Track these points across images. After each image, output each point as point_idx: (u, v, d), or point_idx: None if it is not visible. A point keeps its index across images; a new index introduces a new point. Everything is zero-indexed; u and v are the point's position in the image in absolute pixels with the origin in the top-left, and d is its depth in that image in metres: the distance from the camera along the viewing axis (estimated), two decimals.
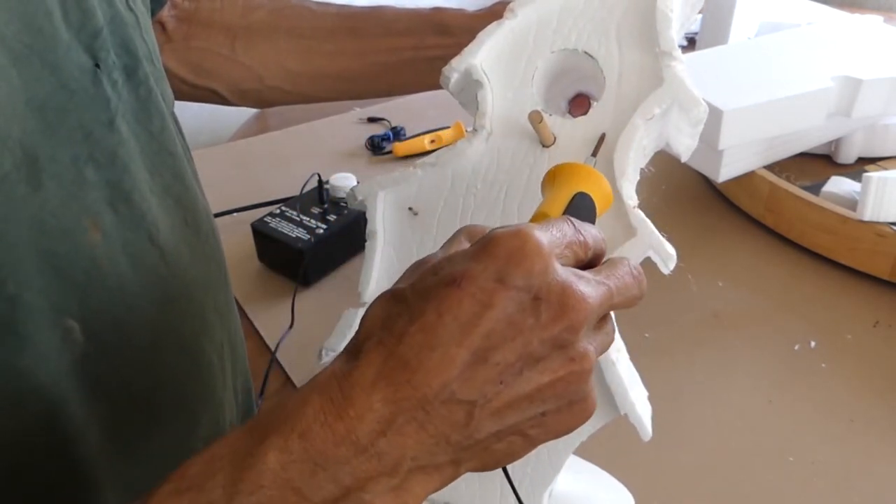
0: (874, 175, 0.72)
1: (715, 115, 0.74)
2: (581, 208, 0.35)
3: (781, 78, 0.80)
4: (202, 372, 0.46)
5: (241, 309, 0.73)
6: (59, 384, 0.35)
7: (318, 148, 1.03)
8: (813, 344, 0.69)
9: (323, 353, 0.45)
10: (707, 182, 0.91)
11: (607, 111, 0.43)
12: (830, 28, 0.94)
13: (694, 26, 1.11)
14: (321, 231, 0.76)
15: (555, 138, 0.43)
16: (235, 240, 0.81)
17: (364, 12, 0.64)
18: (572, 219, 0.32)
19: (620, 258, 0.33)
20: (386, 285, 0.45)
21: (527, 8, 0.44)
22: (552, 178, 0.37)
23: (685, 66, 0.42)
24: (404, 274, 0.31)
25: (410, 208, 0.45)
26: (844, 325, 0.71)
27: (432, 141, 0.98)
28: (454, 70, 0.44)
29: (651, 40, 0.43)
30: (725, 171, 0.80)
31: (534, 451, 0.31)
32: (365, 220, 0.46)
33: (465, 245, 0.31)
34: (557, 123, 0.43)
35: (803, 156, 0.89)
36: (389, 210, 0.45)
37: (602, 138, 0.41)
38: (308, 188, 0.80)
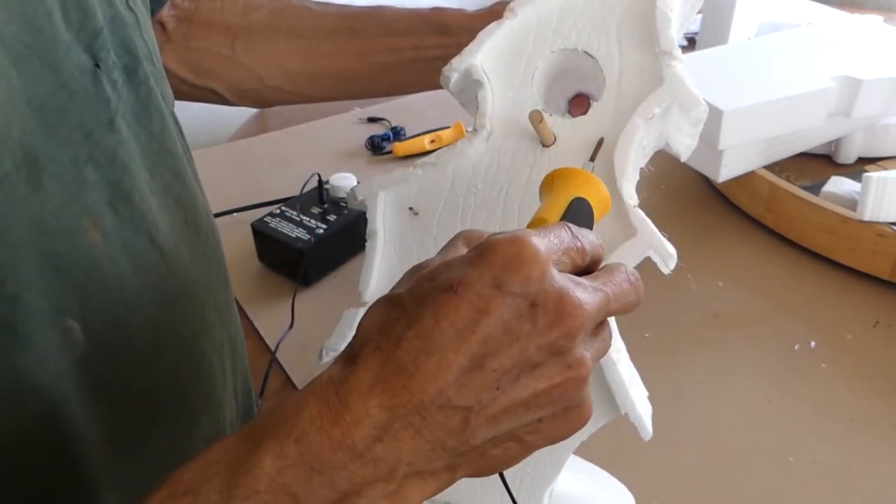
0: (874, 175, 0.72)
1: (715, 115, 0.74)
2: (579, 213, 0.35)
3: (781, 78, 0.80)
4: (202, 372, 0.46)
5: (241, 309, 0.73)
6: (59, 384, 0.35)
7: (318, 148, 1.03)
8: (813, 344, 0.69)
9: (323, 353, 0.45)
10: (707, 182, 0.91)
11: (607, 111, 0.43)
12: (830, 28, 0.94)
13: (694, 26, 1.11)
14: (321, 231, 0.76)
15: (555, 138, 0.43)
16: (235, 240, 0.81)
17: (364, 12, 0.64)
18: (570, 224, 0.32)
19: (618, 264, 0.33)
20: (386, 285, 0.45)
21: (527, 8, 0.44)
22: (550, 182, 0.37)
23: (685, 65, 0.42)
24: (401, 279, 0.31)
25: (411, 208, 0.45)
26: (844, 325, 0.71)
27: (432, 141, 0.98)
28: (454, 70, 0.44)
29: (651, 40, 0.43)
30: (725, 171, 0.80)
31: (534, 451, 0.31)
32: (365, 220, 0.46)
33: (463, 250, 0.31)
34: (557, 123, 0.43)
35: (803, 156, 0.89)
36: (389, 210, 0.45)
37: (600, 143, 0.41)
38: (308, 188, 0.80)
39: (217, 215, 0.81)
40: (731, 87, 0.79)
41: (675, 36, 0.43)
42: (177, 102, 0.48)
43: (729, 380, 0.66)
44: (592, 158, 0.41)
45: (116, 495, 0.39)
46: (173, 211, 0.44)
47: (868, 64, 0.83)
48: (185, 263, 0.44)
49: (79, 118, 0.36)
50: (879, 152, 0.93)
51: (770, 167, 0.83)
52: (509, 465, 0.31)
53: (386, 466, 0.27)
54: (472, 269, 0.28)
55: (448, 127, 1.00)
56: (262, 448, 0.27)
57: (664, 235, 0.39)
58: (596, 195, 0.36)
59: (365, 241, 0.46)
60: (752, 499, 0.56)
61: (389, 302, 0.29)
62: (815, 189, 0.81)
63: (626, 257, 0.39)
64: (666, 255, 0.39)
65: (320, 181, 0.80)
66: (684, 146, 0.45)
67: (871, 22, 0.95)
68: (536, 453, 0.31)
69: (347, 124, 1.08)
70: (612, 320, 0.36)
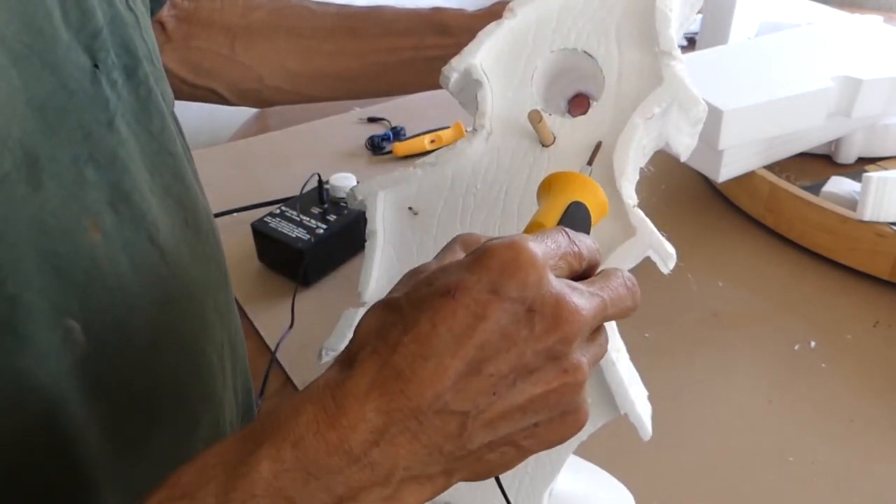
0: (874, 175, 0.72)
1: (715, 115, 0.74)
2: (576, 217, 0.35)
3: (781, 78, 0.80)
4: (202, 372, 0.46)
5: (241, 309, 0.73)
6: (60, 384, 0.35)
7: (318, 148, 1.03)
8: (813, 344, 0.69)
9: (323, 353, 0.45)
10: (707, 182, 0.91)
11: (607, 111, 0.43)
12: (830, 28, 0.94)
13: (694, 26, 1.11)
14: (321, 231, 0.76)
15: (554, 138, 0.43)
16: (235, 240, 0.81)
17: (364, 12, 0.64)
18: (567, 229, 0.32)
19: (614, 269, 0.33)
20: (386, 285, 0.45)
21: (526, 7, 0.44)
22: (548, 186, 0.37)
23: (685, 65, 0.42)
24: (399, 283, 0.31)
25: (410, 208, 0.45)
26: (844, 325, 0.71)
27: (432, 141, 0.98)
28: (454, 70, 0.44)
29: (650, 40, 0.43)
30: (725, 171, 0.80)
31: None
32: (365, 220, 0.46)
33: (460, 255, 0.31)
34: (557, 123, 0.43)
35: (803, 156, 0.89)
36: (389, 210, 0.45)
37: (598, 146, 0.41)
38: (308, 188, 0.80)
39: (217, 215, 0.81)
40: (731, 87, 0.79)
41: (675, 36, 0.43)
42: (177, 102, 0.48)
43: (729, 380, 0.66)
44: (590, 162, 0.41)
45: (116, 495, 0.39)
46: (173, 211, 0.44)
47: (868, 64, 0.83)
48: (185, 263, 0.44)
49: (78, 118, 0.36)
50: (879, 152, 0.93)
51: (770, 167, 0.83)
52: (506, 469, 0.31)
53: (382, 471, 0.28)
54: (469, 274, 0.28)
55: (448, 127, 1.00)
56: (258, 452, 0.27)
57: (663, 235, 0.39)
58: (593, 199, 0.36)
59: (365, 241, 0.46)
60: (752, 499, 0.56)
61: (386, 306, 0.30)
62: (815, 189, 0.81)
63: (625, 257, 0.39)
64: (665, 254, 0.39)
65: (320, 181, 0.80)
66: (684, 146, 0.45)
67: (871, 22, 0.95)
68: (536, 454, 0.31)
69: (347, 124, 1.08)
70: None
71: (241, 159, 1.01)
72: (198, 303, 0.45)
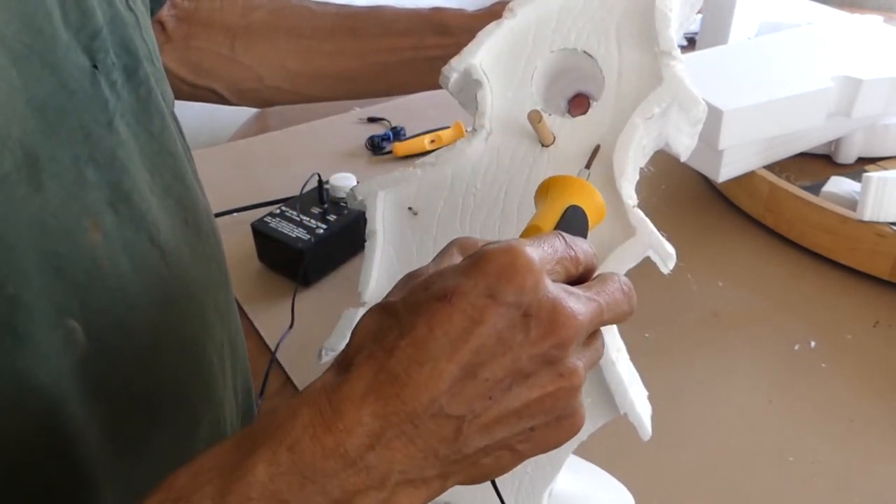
0: (874, 175, 0.72)
1: (715, 115, 0.74)
2: (573, 221, 0.35)
3: (781, 78, 0.80)
4: (203, 372, 0.46)
5: (241, 309, 0.73)
6: (60, 384, 0.35)
7: (318, 148, 1.03)
8: (813, 344, 0.69)
9: (323, 352, 0.45)
10: (707, 182, 0.91)
11: (607, 111, 0.43)
12: (830, 28, 0.94)
13: (694, 26, 1.11)
14: (321, 231, 0.76)
15: (554, 138, 0.43)
16: (235, 240, 0.81)
17: (364, 12, 0.64)
18: (564, 234, 0.32)
19: (611, 273, 0.33)
20: (385, 285, 0.45)
21: (526, 7, 0.44)
22: (545, 190, 0.37)
23: (684, 65, 0.42)
24: (395, 286, 0.31)
25: (410, 208, 0.45)
26: (844, 325, 0.71)
27: (432, 141, 0.99)
28: (453, 70, 0.44)
29: (650, 40, 0.43)
30: (725, 171, 0.80)
31: None
32: (365, 220, 0.46)
33: (457, 258, 0.32)
34: (557, 123, 0.43)
35: (803, 156, 0.89)
36: (389, 210, 0.45)
37: (596, 150, 0.41)
38: (308, 188, 0.80)
39: (217, 215, 0.81)
40: (731, 87, 0.79)
41: (675, 36, 0.43)
42: (177, 102, 0.48)
43: (729, 380, 0.66)
44: (588, 166, 0.41)
45: (116, 495, 0.39)
46: (174, 211, 0.44)
47: (868, 64, 0.83)
48: (185, 264, 0.44)
49: (78, 118, 0.36)
50: (879, 152, 0.93)
51: (770, 167, 0.83)
52: (501, 473, 0.31)
53: (378, 474, 0.28)
54: (465, 279, 0.28)
55: (448, 127, 1.00)
56: (254, 455, 0.27)
57: (663, 235, 0.39)
58: (591, 203, 0.36)
59: (365, 241, 0.46)
60: (752, 499, 0.56)
61: (383, 310, 0.30)
62: (815, 189, 0.81)
63: (625, 257, 0.39)
64: (665, 254, 0.39)
65: (320, 181, 0.80)
66: (684, 146, 0.45)
67: (871, 22, 0.95)
68: None
69: (347, 124, 1.08)
70: None
71: (241, 159, 1.01)
72: (198, 303, 0.46)
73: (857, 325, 0.71)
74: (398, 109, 1.09)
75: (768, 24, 1.06)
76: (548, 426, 0.30)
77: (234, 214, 0.87)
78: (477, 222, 0.44)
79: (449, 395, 0.28)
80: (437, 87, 0.48)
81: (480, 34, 0.45)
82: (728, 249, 0.81)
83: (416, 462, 0.28)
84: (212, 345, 0.47)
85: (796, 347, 0.68)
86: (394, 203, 0.45)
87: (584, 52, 0.44)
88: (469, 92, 0.45)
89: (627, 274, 0.39)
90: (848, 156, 0.92)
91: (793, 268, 0.78)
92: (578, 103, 0.44)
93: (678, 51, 0.42)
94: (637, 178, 0.42)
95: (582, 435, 0.43)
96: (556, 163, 0.43)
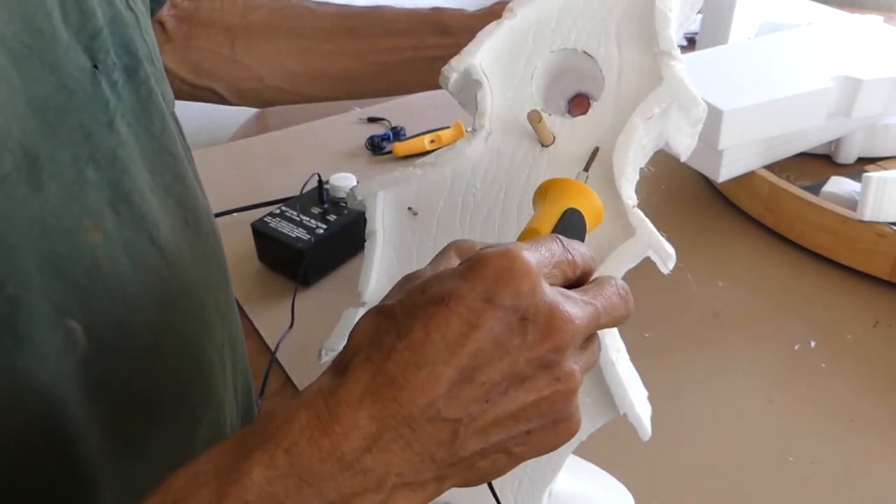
0: (874, 175, 0.72)
1: (715, 115, 0.74)
2: (571, 224, 0.35)
3: (781, 78, 0.80)
4: (203, 372, 0.46)
5: (241, 309, 0.73)
6: (60, 384, 0.35)
7: (318, 148, 1.03)
8: (813, 344, 0.69)
9: (323, 352, 0.45)
10: (707, 182, 0.91)
11: (607, 111, 0.43)
12: (830, 28, 0.94)
13: (694, 26, 1.11)
14: (321, 231, 0.76)
15: (554, 138, 0.43)
16: (235, 240, 0.81)
17: (364, 12, 0.64)
18: (561, 237, 0.32)
19: (608, 277, 0.33)
20: (385, 285, 0.45)
21: (526, 7, 0.44)
22: (543, 192, 0.37)
23: (684, 65, 0.42)
24: (393, 289, 0.32)
25: (410, 208, 0.45)
26: (844, 325, 0.71)
27: (432, 141, 0.99)
28: (453, 70, 0.44)
29: (650, 40, 0.43)
30: (725, 171, 0.80)
31: None
32: (365, 220, 0.46)
33: (455, 261, 0.32)
34: (557, 123, 0.43)
35: (803, 156, 0.89)
36: (389, 210, 0.45)
37: (595, 153, 0.41)
38: (308, 188, 0.80)
39: (217, 215, 0.81)
40: (731, 87, 0.79)
41: (675, 36, 0.43)
42: (177, 102, 0.49)
43: (729, 380, 0.66)
44: (586, 168, 0.41)
45: (116, 495, 0.39)
46: (174, 211, 0.44)
47: (868, 64, 0.83)
48: (185, 264, 0.44)
49: (79, 118, 0.36)
50: (879, 152, 0.93)
51: (770, 167, 0.83)
52: (497, 475, 0.31)
53: (375, 477, 0.28)
54: (463, 282, 0.28)
55: (448, 127, 1.00)
56: (251, 458, 0.27)
57: (663, 235, 0.40)
58: (589, 206, 0.36)
59: (365, 241, 0.46)
60: (752, 499, 0.56)
61: (380, 312, 0.30)
62: (815, 189, 0.81)
63: (624, 257, 0.39)
64: (665, 255, 0.39)
65: (320, 181, 0.80)
66: (684, 146, 0.45)
67: (871, 22, 0.95)
68: None
69: (347, 124, 1.08)
70: None
71: (241, 159, 1.01)
72: (198, 303, 0.46)
73: (857, 325, 0.71)
74: (398, 109, 1.09)
75: (768, 24, 1.06)
76: (544, 429, 0.30)
77: (234, 214, 0.87)
78: (477, 222, 0.44)
79: (446, 398, 0.28)
80: (437, 87, 0.48)
81: (480, 34, 0.45)
82: (728, 249, 0.81)
83: (412, 465, 0.28)
84: (212, 345, 0.47)
85: (796, 347, 0.68)
86: (394, 203, 0.45)
87: (584, 52, 0.44)
88: (469, 92, 0.45)
89: (625, 277, 0.39)
90: (848, 156, 0.92)
91: (793, 268, 0.78)
92: (578, 103, 0.44)
93: (678, 51, 0.42)
94: (637, 178, 0.42)
95: (582, 435, 0.43)
96: (555, 163, 0.43)
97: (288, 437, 0.27)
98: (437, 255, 0.33)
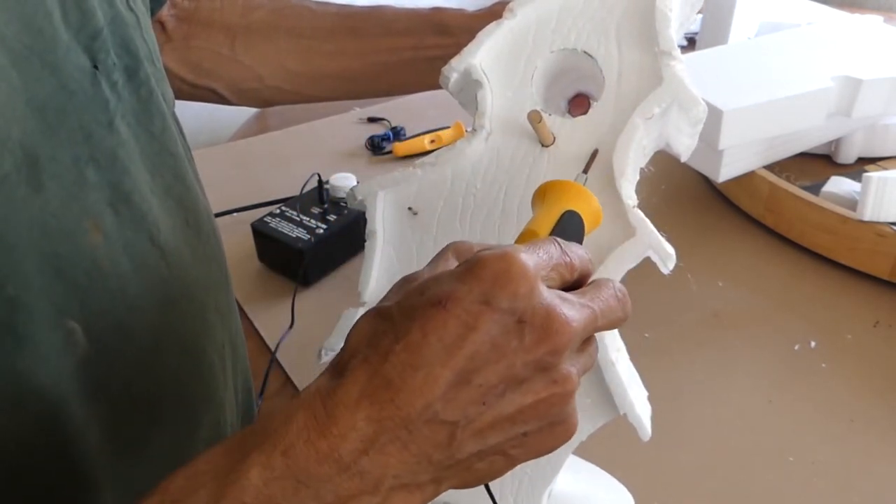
0: (874, 175, 0.72)
1: (715, 115, 0.74)
2: (569, 226, 0.35)
3: (781, 78, 0.80)
4: (203, 372, 0.46)
5: (241, 309, 0.73)
6: (60, 385, 0.35)
7: (318, 148, 1.03)
8: (813, 344, 0.69)
9: (323, 352, 0.45)
10: (707, 182, 0.91)
11: (607, 111, 0.43)
12: (830, 28, 0.94)
13: (694, 26, 1.11)
14: (321, 231, 0.76)
15: (554, 138, 0.43)
16: (235, 240, 0.81)
17: (364, 12, 0.64)
18: (559, 240, 0.32)
19: (605, 280, 0.33)
20: (385, 285, 0.45)
21: (526, 8, 0.44)
22: (542, 194, 0.37)
23: (684, 65, 0.42)
24: (391, 291, 0.32)
25: (410, 208, 0.45)
26: (844, 325, 0.71)
27: (432, 141, 0.99)
28: (453, 70, 0.44)
29: (650, 40, 0.43)
30: (725, 171, 0.80)
31: None
32: (365, 220, 0.46)
33: (453, 263, 0.32)
34: (557, 123, 0.43)
35: (803, 156, 0.89)
36: (389, 210, 0.45)
37: (594, 155, 0.41)
38: (308, 188, 0.80)
39: (217, 215, 0.81)
40: (731, 87, 0.79)
41: (675, 36, 0.43)
42: (177, 102, 0.48)
43: (729, 380, 0.66)
44: (586, 170, 0.41)
45: (116, 496, 0.39)
46: (174, 212, 0.44)
47: (868, 64, 0.83)
48: (186, 264, 0.44)
49: (79, 119, 0.36)
50: (879, 152, 0.93)
51: (770, 167, 0.83)
52: (494, 477, 0.31)
53: (371, 479, 0.28)
54: (460, 285, 0.28)
55: (448, 127, 1.00)
56: (249, 459, 0.27)
57: (663, 235, 0.40)
58: (587, 208, 0.36)
59: (365, 241, 0.46)
60: (752, 499, 0.56)
61: (378, 314, 0.30)
62: (815, 189, 0.81)
63: (624, 258, 0.39)
64: (665, 255, 0.39)
65: (320, 181, 0.80)
66: (684, 146, 0.45)
67: (871, 22, 0.95)
68: None
69: (347, 124, 1.08)
70: None
71: (241, 159, 1.01)
72: (199, 303, 0.46)
73: (857, 325, 0.71)
74: (398, 109, 1.09)
75: (768, 24, 1.06)
76: (541, 432, 0.30)
77: (234, 214, 0.87)
78: (477, 222, 0.44)
79: (443, 400, 0.28)
80: (437, 87, 0.48)
81: (480, 34, 0.45)
82: (728, 249, 0.81)
83: (409, 467, 0.28)
84: (212, 345, 0.47)
85: (796, 347, 0.68)
86: (394, 203, 0.45)
87: (584, 52, 0.44)
88: (469, 92, 0.45)
89: (625, 277, 0.39)
90: (848, 156, 0.92)
91: (793, 268, 0.78)
92: (578, 103, 0.44)
93: (678, 51, 0.42)
94: (637, 178, 0.42)
95: (582, 435, 0.43)
96: (556, 163, 0.43)
97: (285, 439, 0.27)
98: (434, 257, 0.33)
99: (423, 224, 0.45)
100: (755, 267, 0.79)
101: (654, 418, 0.43)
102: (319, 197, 0.80)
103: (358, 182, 0.76)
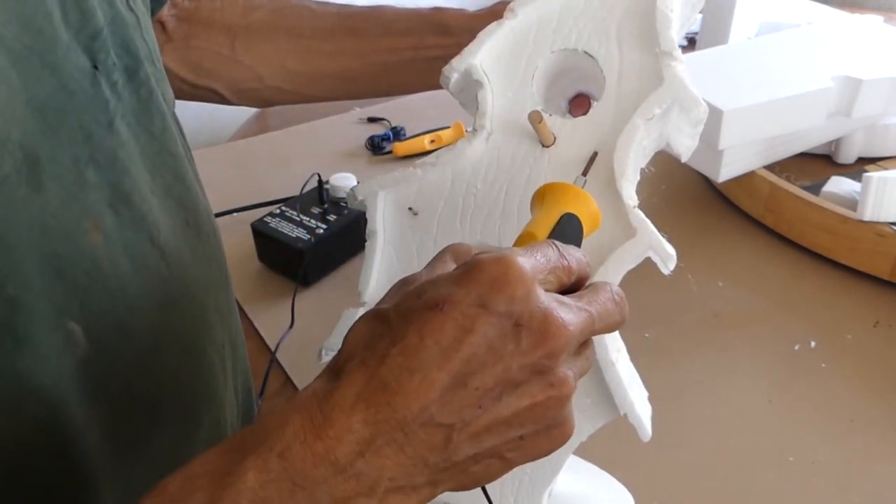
0: (874, 175, 0.72)
1: (715, 115, 0.74)
2: (568, 229, 0.35)
3: (781, 78, 0.80)
4: (203, 373, 0.46)
5: (241, 309, 0.73)
6: (60, 385, 0.35)
7: (318, 148, 1.03)
8: (813, 344, 0.69)
9: (323, 352, 0.45)
10: (707, 182, 0.91)
11: (607, 111, 0.43)
12: (830, 28, 0.94)
13: (694, 26, 1.11)
14: (321, 231, 0.76)
15: (554, 138, 0.43)
16: (235, 240, 0.81)
17: (364, 12, 0.64)
18: (557, 243, 0.32)
19: (603, 283, 0.33)
20: (385, 285, 0.45)
21: (527, 8, 0.44)
22: (541, 197, 0.37)
23: (685, 66, 0.42)
24: (388, 293, 0.32)
25: (410, 208, 0.45)
26: (844, 325, 0.71)
27: (432, 141, 0.98)
28: (454, 70, 0.44)
29: (651, 40, 0.43)
30: (725, 171, 0.80)
31: None
32: (365, 220, 0.46)
33: (451, 266, 0.32)
34: (557, 123, 0.43)
35: (803, 156, 0.89)
36: (389, 210, 0.45)
37: (593, 157, 0.41)
38: (308, 188, 0.80)
39: (217, 215, 0.81)
40: (731, 87, 0.79)
41: (676, 36, 0.43)
42: (177, 102, 0.48)
43: (729, 380, 0.66)
44: (585, 173, 0.41)
45: (116, 496, 0.39)
46: (174, 212, 0.44)
47: (868, 64, 0.83)
48: (186, 264, 0.44)
49: (79, 119, 0.36)
50: (879, 152, 0.93)
51: (770, 167, 0.83)
52: (491, 480, 0.31)
53: (367, 482, 0.28)
54: (458, 288, 0.28)
55: (448, 127, 1.00)
56: (245, 461, 0.27)
57: (664, 235, 0.40)
58: (586, 211, 0.36)
59: (365, 241, 0.46)
60: (752, 499, 0.56)
61: (375, 317, 0.30)
62: (815, 189, 0.81)
63: (625, 258, 0.39)
64: (665, 255, 0.39)
65: (320, 181, 0.80)
66: (685, 147, 0.45)
67: (871, 22, 0.95)
68: None
69: (347, 124, 1.08)
70: None
71: (241, 159, 1.01)
72: (199, 303, 0.45)
73: (857, 325, 0.71)
74: (398, 109, 1.09)
75: (768, 24, 1.06)
76: (537, 435, 0.30)
77: (234, 214, 0.87)
78: (477, 223, 0.44)
79: (439, 403, 0.28)
80: (438, 87, 0.48)
81: (481, 34, 0.45)
82: (728, 249, 0.81)
83: (405, 470, 0.28)
84: (212, 345, 0.47)
85: (796, 347, 0.68)
86: (394, 203, 0.45)
87: (585, 52, 0.44)
88: (470, 92, 0.45)
89: (625, 278, 0.39)
90: (848, 156, 0.92)
91: (793, 268, 0.78)
92: (579, 104, 0.44)
93: (679, 51, 0.42)
94: (638, 178, 0.42)
95: (582, 435, 0.43)
96: (556, 163, 0.43)
97: (281, 441, 0.27)
98: (432, 259, 0.33)
99: (423, 224, 0.45)
100: (755, 267, 0.79)
101: (654, 418, 0.43)
102: (319, 197, 0.80)
103: (358, 182, 0.76)
